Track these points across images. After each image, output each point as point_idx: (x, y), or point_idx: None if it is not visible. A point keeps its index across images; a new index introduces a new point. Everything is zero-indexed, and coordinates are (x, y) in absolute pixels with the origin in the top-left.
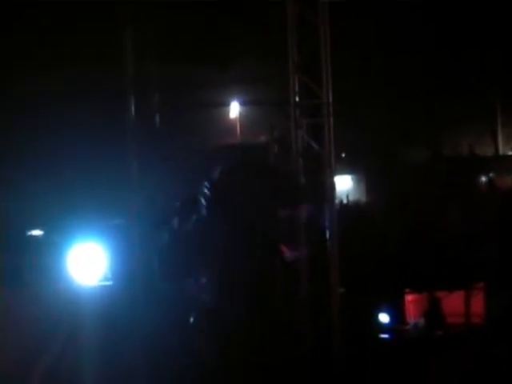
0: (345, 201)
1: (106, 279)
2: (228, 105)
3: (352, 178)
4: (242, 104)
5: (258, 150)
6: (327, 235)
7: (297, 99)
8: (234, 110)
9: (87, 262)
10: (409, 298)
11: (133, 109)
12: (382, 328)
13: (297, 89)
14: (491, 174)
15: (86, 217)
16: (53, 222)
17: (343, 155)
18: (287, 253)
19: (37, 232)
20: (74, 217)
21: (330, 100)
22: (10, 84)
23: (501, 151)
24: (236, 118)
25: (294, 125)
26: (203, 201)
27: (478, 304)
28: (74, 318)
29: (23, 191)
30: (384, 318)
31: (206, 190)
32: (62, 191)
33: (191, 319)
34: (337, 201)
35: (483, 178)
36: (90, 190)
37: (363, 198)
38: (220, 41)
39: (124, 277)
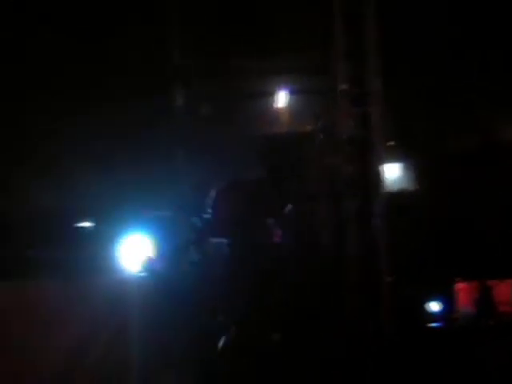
0: (393, 189)
1: (155, 269)
2: (275, 94)
3: (400, 166)
4: (290, 93)
5: (303, 140)
6: (376, 224)
7: (344, 87)
8: (282, 99)
9: (137, 253)
10: (459, 286)
11: (179, 98)
12: (433, 317)
13: (344, 77)
14: None
15: (134, 208)
16: (102, 214)
17: (391, 143)
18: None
19: (87, 224)
20: (124, 208)
21: (378, 88)
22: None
23: None
24: (283, 108)
25: (341, 113)
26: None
27: None
28: (124, 308)
29: (73, 183)
30: (434, 306)
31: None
32: (112, 183)
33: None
34: (384, 190)
35: None
36: (138, 181)
37: (412, 187)
38: (269, 26)
39: (173, 266)
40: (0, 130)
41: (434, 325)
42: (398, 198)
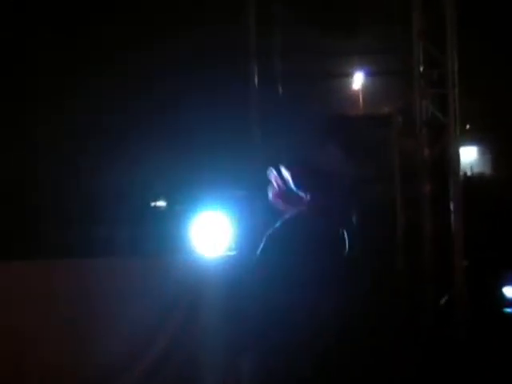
0: (469, 173)
1: (231, 249)
2: (352, 75)
3: (477, 150)
4: (367, 74)
5: (380, 123)
6: (452, 208)
7: (421, 69)
8: (358, 80)
9: (211, 232)
10: None
11: (256, 76)
12: (507, 302)
13: (421, 58)
14: None
15: (209, 188)
16: (177, 193)
17: (468, 126)
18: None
19: (160, 203)
20: (198, 187)
21: (455, 69)
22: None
23: None
24: (359, 89)
25: (418, 95)
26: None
27: None
28: (197, 288)
29: (147, 162)
30: (509, 291)
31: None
32: (186, 162)
33: None
34: (461, 173)
35: None
36: (214, 160)
37: (488, 170)
38: (346, 5)
39: (249, 247)
40: (67, 102)
41: (509, 310)
42: (473, 182)
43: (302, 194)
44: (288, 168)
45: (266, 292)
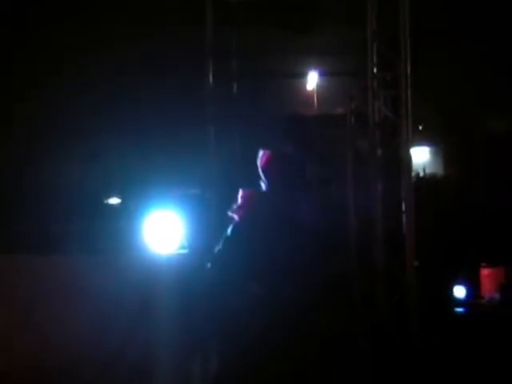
0: (421, 173)
1: (182, 247)
2: (306, 75)
3: (430, 151)
4: (321, 74)
5: (334, 123)
6: (403, 208)
7: (375, 70)
8: (312, 80)
9: (163, 230)
10: (484, 272)
11: (211, 75)
12: (457, 302)
13: (375, 60)
14: None
15: (163, 185)
16: (130, 190)
17: (420, 127)
18: None
19: (115, 200)
20: (152, 185)
21: (408, 71)
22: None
23: None
24: (314, 89)
25: (371, 96)
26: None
27: None
28: (148, 285)
29: (101, 160)
30: (459, 292)
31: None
32: (141, 160)
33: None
34: (413, 173)
35: None
36: (168, 158)
37: (441, 171)
38: (302, 6)
39: (200, 245)
40: (24, 105)
41: (459, 310)
42: (426, 182)
43: (265, 181)
44: (262, 151)
45: (218, 289)
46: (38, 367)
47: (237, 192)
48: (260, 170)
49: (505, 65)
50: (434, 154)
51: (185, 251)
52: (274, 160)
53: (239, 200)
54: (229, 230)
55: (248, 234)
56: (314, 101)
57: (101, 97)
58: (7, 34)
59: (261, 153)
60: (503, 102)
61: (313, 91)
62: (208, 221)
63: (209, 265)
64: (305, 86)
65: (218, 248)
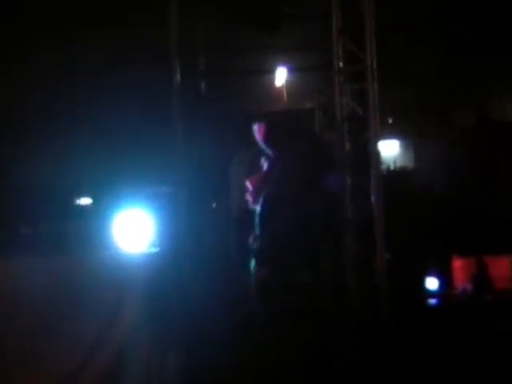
0: (392, 167)
1: (153, 246)
2: (274, 71)
3: (400, 144)
4: (289, 70)
5: (303, 117)
6: (372, 201)
7: (341, 65)
8: (281, 76)
9: (133, 229)
10: (456, 263)
11: (178, 73)
12: (430, 293)
13: (340, 54)
14: None
15: (133, 184)
16: (101, 189)
17: (390, 121)
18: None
19: (86, 200)
20: (122, 184)
21: (374, 65)
22: (58, 48)
23: None
24: (283, 85)
25: (338, 90)
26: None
27: None
28: (119, 284)
29: (71, 159)
30: (431, 283)
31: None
32: (110, 159)
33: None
34: (383, 167)
35: None
36: (137, 157)
37: (411, 164)
38: (268, 2)
39: (170, 244)
40: None
41: (431, 301)
42: (396, 175)
43: (269, 151)
44: (257, 124)
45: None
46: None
47: (207, 189)
48: (262, 142)
49: (474, 57)
50: (405, 147)
51: (155, 250)
52: (271, 129)
53: (250, 188)
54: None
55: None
56: (284, 96)
57: (68, 96)
58: None
59: (256, 126)
60: (472, 95)
61: (282, 87)
62: (178, 219)
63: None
64: (274, 83)
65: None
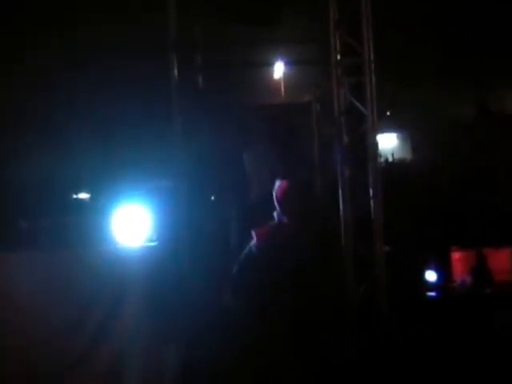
0: (390, 159)
1: (151, 240)
2: (272, 65)
3: (397, 136)
4: (287, 64)
5: (299, 111)
6: (371, 194)
7: (338, 58)
8: (279, 69)
9: (132, 224)
10: (456, 255)
11: (176, 67)
12: (429, 286)
13: (338, 47)
14: None
15: (132, 178)
16: (100, 184)
17: (388, 113)
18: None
19: (84, 195)
20: (121, 178)
21: (372, 58)
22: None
23: None
24: (280, 78)
25: (335, 84)
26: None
27: None
28: (119, 278)
29: (70, 154)
30: (431, 276)
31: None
32: (109, 154)
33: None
34: (381, 159)
35: None
36: (136, 151)
37: (409, 157)
38: (266, 3)
39: (169, 238)
40: None
41: (431, 294)
42: (394, 168)
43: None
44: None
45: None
46: (13, 364)
47: (206, 182)
48: (276, 201)
49: (471, 52)
50: (402, 139)
51: (153, 244)
52: (290, 192)
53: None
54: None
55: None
56: (281, 90)
57: (69, 88)
58: None
59: (277, 183)
60: (470, 87)
61: (280, 80)
62: (177, 213)
63: None
64: (272, 76)
65: None
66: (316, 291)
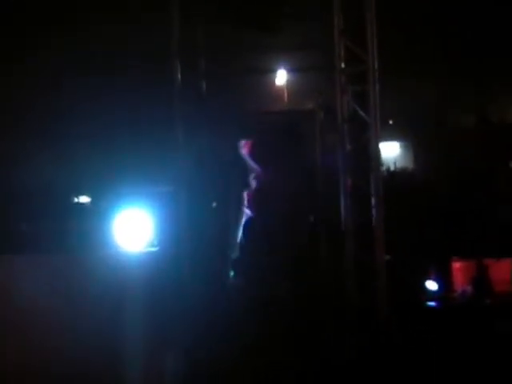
0: (392, 168)
1: (152, 245)
2: (275, 71)
3: (400, 145)
4: (289, 71)
5: (303, 118)
6: (372, 202)
7: (342, 65)
8: (281, 76)
9: (133, 228)
10: (456, 265)
11: (179, 73)
12: (430, 295)
13: (342, 55)
14: None
15: (133, 183)
16: (100, 189)
17: (390, 122)
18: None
19: (84, 199)
20: (122, 183)
21: (376, 66)
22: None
23: None
24: (283, 85)
25: (339, 91)
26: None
27: None
28: (120, 282)
29: (71, 158)
30: (431, 285)
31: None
32: (110, 158)
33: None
34: (384, 168)
35: None
36: (137, 157)
37: (411, 165)
38: (269, 3)
39: (170, 243)
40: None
41: (431, 303)
42: (396, 176)
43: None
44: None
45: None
46: (15, 366)
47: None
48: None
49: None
50: (405, 148)
51: (154, 249)
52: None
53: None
54: None
55: None
56: (284, 97)
57: (71, 93)
58: None
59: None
60: (471, 96)
61: (283, 87)
62: (178, 218)
63: None
64: (274, 82)
65: None
66: (316, 290)
